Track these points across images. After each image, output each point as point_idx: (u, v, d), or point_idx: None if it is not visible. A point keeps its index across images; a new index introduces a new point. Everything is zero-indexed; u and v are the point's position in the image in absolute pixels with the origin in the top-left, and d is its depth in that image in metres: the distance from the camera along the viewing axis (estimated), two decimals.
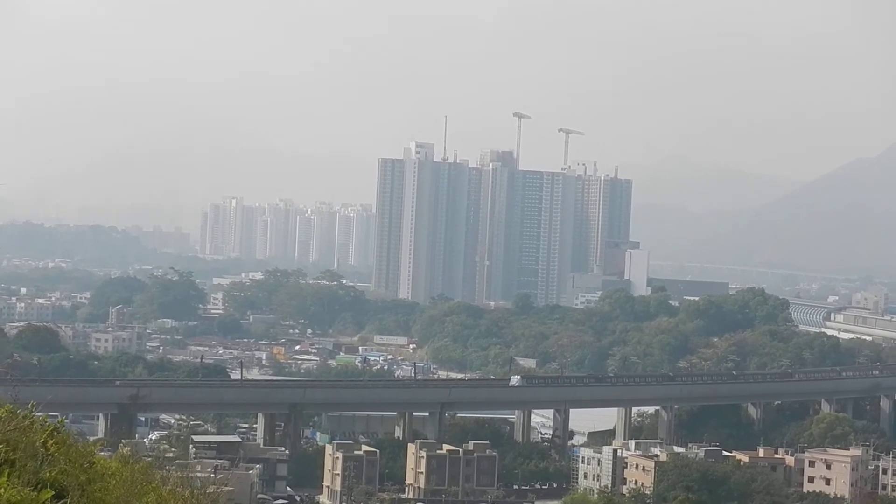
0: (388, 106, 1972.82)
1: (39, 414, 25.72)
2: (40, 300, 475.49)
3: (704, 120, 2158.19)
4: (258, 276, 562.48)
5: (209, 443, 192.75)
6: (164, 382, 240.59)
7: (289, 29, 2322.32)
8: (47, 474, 22.65)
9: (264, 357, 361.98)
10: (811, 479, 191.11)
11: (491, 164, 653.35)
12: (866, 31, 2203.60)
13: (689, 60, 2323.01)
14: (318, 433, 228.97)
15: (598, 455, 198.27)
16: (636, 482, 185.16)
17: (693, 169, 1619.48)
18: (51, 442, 23.40)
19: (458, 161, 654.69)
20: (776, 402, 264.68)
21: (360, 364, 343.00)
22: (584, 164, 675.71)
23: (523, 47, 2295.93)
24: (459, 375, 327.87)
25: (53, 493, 21.66)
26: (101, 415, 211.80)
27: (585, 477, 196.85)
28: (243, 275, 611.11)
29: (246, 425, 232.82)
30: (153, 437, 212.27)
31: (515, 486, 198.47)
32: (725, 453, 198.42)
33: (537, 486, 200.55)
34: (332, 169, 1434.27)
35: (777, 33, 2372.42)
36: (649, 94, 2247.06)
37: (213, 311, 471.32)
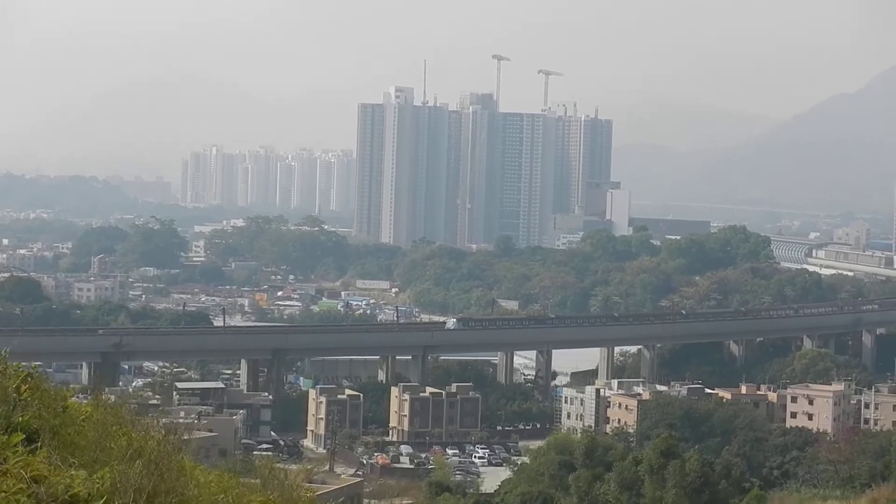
0: (367, 47, 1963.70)
1: (20, 362, 25.58)
2: (22, 251, 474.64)
3: (683, 58, 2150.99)
4: (240, 223, 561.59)
5: (192, 389, 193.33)
6: (146, 330, 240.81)
7: None
8: (19, 419, 22.50)
9: (247, 304, 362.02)
10: (794, 415, 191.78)
11: (471, 107, 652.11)
12: None
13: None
14: (301, 378, 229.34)
15: (581, 395, 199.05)
16: (619, 421, 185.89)
17: (673, 108, 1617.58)
18: (24, 387, 23.24)
19: (437, 105, 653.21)
20: (758, 339, 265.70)
21: (342, 309, 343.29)
22: (563, 106, 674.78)
23: None
24: (442, 319, 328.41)
25: (24, 436, 21.55)
26: (84, 363, 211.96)
27: (569, 417, 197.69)
28: (225, 222, 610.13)
29: (229, 371, 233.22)
30: (137, 385, 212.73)
31: (499, 427, 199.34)
32: (708, 391, 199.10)
33: (521, 426, 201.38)
34: (312, 113, 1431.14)
35: None
36: (627, 34, 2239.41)
37: (195, 259, 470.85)
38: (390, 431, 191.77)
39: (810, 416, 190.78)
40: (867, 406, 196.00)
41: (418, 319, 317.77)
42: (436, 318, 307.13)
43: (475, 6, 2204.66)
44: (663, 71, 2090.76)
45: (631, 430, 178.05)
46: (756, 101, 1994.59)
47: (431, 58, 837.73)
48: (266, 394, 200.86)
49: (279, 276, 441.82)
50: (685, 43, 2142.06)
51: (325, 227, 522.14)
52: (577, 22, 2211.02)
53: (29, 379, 24.23)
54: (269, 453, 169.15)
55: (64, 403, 26.54)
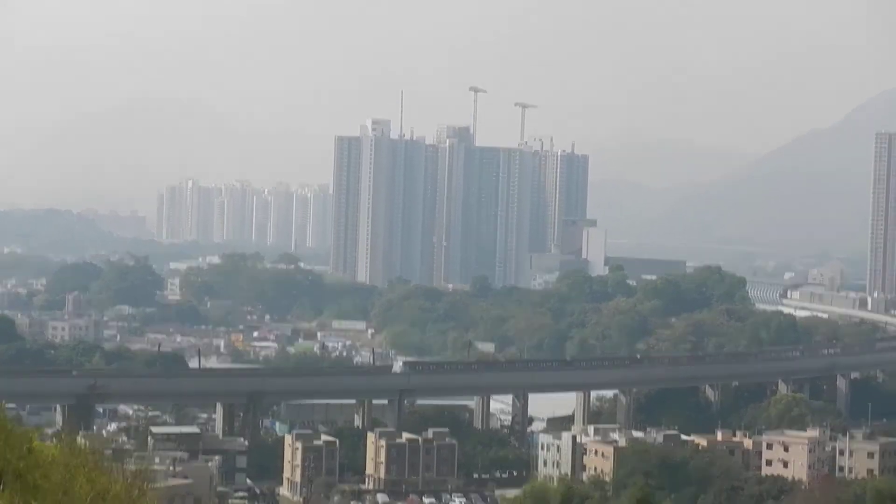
0: (344, 81, 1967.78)
1: None
2: None
3: (659, 93, 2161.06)
4: (215, 260, 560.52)
5: (168, 434, 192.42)
6: (121, 372, 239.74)
7: (243, 3, 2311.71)
8: None
9: (223, 344, 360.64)
10: (769, 462, 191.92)
11: (448, 141, 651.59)
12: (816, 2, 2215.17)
13: (644, 32, 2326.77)
14: (277, 423, 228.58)
15: (558, 442, 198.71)
16: (596, 468, 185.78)
17: (646, 142, 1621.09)
18: None
19: (414, 138, 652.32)
20: (734, 384, 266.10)
21: (318, 351, 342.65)
22: (540, 140, 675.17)
23: (477, 20, 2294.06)
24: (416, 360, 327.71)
25: None
26: (58, 406, 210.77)
27: (545, 464, 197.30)
28: (200, 259, 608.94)
29: (205, 415, 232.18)
30: (111, 429, 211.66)
31: (476, 475, 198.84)
32: (684, 437, 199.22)
33: (497, 474, 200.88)
34: (289, 147, 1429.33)
35: (727, 5, 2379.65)
36: (604, 68, 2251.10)
37: (170, 297, 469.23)
38: (367, 479, 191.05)
39: (785, 464, 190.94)
40: (842, 453, 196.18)
41: (395, 362, 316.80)
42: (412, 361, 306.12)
43: (452, 38, 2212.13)
44: (639, 105, 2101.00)
45: (608, 479, 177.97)
46: (732, 136, 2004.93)
47: (409, 90, 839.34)
48: (242, 439, 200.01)
49: (255, 316, 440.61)
50: (661, 78, 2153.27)
51: (301, 264, 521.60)
52: (553, 55, 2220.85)
53: None
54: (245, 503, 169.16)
55: (29, 445, 26.45)
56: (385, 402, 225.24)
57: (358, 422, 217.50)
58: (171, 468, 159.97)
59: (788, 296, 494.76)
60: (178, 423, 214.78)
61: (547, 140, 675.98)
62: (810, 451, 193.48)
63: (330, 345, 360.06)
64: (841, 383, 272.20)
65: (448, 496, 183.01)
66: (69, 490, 26.28)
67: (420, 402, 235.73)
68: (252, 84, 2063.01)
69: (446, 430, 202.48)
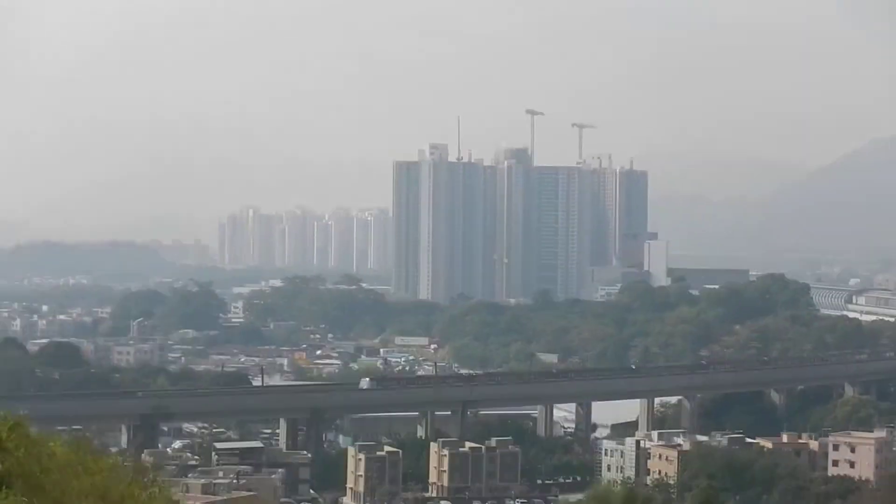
0: (401, 109, 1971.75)
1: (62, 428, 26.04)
2: (62, 317, 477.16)
3: (717, 109, 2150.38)
4: (278, 283, 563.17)
5: (231, 449, 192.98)
6: (185, 392, 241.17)
7: (298, 35, 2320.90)
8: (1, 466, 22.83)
9: (286, 363, 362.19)
10: (835, 463, 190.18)
11: (506, 162, 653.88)
12: (873, 16, 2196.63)
13: (699, 51, 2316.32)
14: (340, 436, 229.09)
15: (621, 447, 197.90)
16: (660, 472, 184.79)
17: (708, 158, 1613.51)
18: (9, 436, 23.54)
19: (472, 161, 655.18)
20: (799, 388, 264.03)
21: (381, 366, 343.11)
22: (598, 158, 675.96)
23: (531, 45, 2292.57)
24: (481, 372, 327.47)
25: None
26: (123, 426, 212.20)
27: (609, 469, 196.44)
28: (263, 283, 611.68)
29: (268, 431, 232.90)
30: (176, 446, 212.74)
31: (539, 482, 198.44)
32: (749, 440, 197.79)
33: (561, 480, 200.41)
34: (348, 174, 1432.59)
35: (785, 21, 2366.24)
36: (660, 86, 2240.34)
37: (233, 320, 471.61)
38: (430, 487, 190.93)
39: (852, 464, 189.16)
40: None
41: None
42: (475, 373, 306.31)
43: (508, 62, 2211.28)
44: (698, 122, 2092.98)
45: (672, 482, 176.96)
46: (791, 149, 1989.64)
47: (465, 115, 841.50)
48: (305, 452, 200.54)
49: (318, 336, 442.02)
50: (719, 94, 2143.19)
51: (363, 285, 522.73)
52: (610, 76, 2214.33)
53: (17, 428, 24.39)
54: None
55: (48, 451, 26.61)
56: (448, 413, 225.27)
57: (421, 433, 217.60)
58: (234, 481, 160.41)
59: (853, 301, 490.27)
60: (241, 440, 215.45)
61: (605, 158, 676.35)
62: (877, 451, 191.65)
63: (393, 360, 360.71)
64: None
65: (511, 502, 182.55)
66: (68, 488, 26.32)
67: (483, 412, 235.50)
68: (310, 114, 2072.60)
69: (509, 438, 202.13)
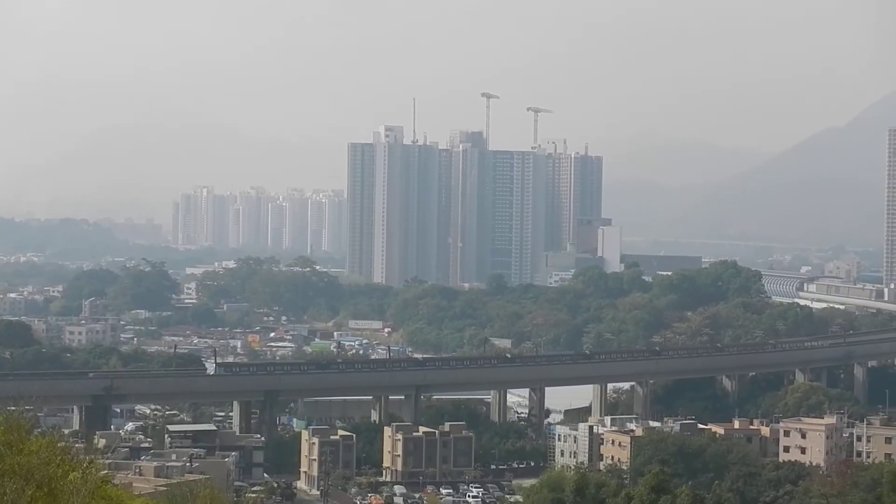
0: (357, 88, 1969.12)
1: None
2: (12, 295, 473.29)
3: (673, 93, 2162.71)
4: (231, 264, 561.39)
5: (184, 432, 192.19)
6: (137, 373, 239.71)
7: (254, 14, 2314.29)
8: None
9: (239, 345, 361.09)
10: (787, 449, 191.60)
11: (461, 146, 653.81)
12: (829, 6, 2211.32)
13: (655, 34, 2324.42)
14: (294, 419, 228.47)
15: (574, 432, 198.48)
16: (613, 458, 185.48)
17: (662, 143, 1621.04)
18: None
19: (427, 143, 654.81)
20: (751, 374, 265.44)
21: (335, 349, 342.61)
22: (553, 143, 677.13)
23: (488, 26, 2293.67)
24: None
25: None
26: (75, 407, 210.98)
27: (562, 455, 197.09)
28: (216, 264, 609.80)
29: (222, 414, 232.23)
30: (128, 428, 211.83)
31: (493, 466, 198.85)
32: (701, 426, 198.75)
33: (514, 465, 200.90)
34: (302, 154, 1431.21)
35: (740, 4, 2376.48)
36: (615, 70, 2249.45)
37: (186, 301, 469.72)
38: (384, 472, 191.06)
39: (803, 450, 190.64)
40: (859, 439, 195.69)
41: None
42: (429, 357, 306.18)
43: (463, 45, 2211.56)
44: (653, 107, 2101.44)
45: (624, 467, 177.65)
46: (746, 135, 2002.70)
47: (421, 97, 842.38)
48: (258, 436, 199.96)
49: (271, 318, 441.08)
50: (674, 79, 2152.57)
51: (317, 267, 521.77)
52: (565, 59, 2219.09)
53: None
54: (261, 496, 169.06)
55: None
56: (402, 397, 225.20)
57: (375, 417, 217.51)
58: (187, 464, 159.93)
59: (805, 288, 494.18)
60: (195, 422, 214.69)
61: (560, 143, 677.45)
62: (828, 437, 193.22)
63: (346, 343, 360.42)
64: (858, 371, 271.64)
65: (465, 486, 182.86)
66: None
67: (437, 396, 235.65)
68: (264, 94, 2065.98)
69: (463, 423, 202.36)
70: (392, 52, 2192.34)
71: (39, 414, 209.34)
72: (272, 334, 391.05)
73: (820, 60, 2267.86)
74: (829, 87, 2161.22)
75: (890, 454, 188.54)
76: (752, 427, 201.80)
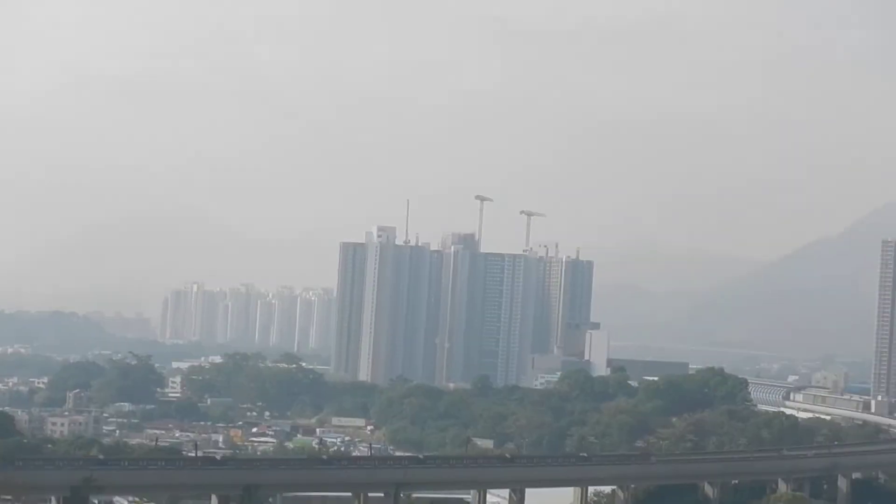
0: (350, 188, 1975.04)
1: None
2: None
3: (665, 200, 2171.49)
4: (217, 359, 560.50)
5: None
6: (116, 464, 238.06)
7: (248, 112, 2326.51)
8: None
9: (221, 439, 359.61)
10: None
11: (453, 247, 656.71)
12: (818, 111, 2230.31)
13: (648, 143, 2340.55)
14: None
15: None
16: None
17: (654, 249, 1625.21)
18: None
19: (419, 244, 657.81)
20: (733, 482, 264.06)
21: (316, 446, 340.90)
22: (545, 246, 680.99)
23: (483, 131, 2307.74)
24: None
25: None
26: (53, 498, 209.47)
27: None
28: (203, 358, 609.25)
29: None
30: None
31: None
32: None
33: None
34: (294, 252, 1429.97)
35: (729, 116, 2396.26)
36: (608, 176, 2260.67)
37: (171, 395, 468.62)
38: None
39: None
40: None
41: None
42: (410, 455, 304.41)
43: (459, 148, 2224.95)
44: (645, 212, 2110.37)
45: None
46: (737, 243, 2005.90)
47: (414, 198, 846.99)
48: None
49: (255, 413, 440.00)
50: (667, 185, 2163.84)
51: (303, 364, 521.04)
52: (559, 164, 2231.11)
53: None
54: None
55: None
56: (381, 494, 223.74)
57: None
58: None
59: (791, 398, 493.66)
60: None
61: (552, 247, 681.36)
62: None
63: (328, 440, 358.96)
64: (842, 483, 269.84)
65: None
66: None
67: (416, 495, 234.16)
68: (257, 192, 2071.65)
69: None
70: (387, 153, 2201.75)
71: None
72: (255, 429, 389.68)
73: (811, 173, 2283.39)
74: (822, 197, 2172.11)
75: None
76: None
